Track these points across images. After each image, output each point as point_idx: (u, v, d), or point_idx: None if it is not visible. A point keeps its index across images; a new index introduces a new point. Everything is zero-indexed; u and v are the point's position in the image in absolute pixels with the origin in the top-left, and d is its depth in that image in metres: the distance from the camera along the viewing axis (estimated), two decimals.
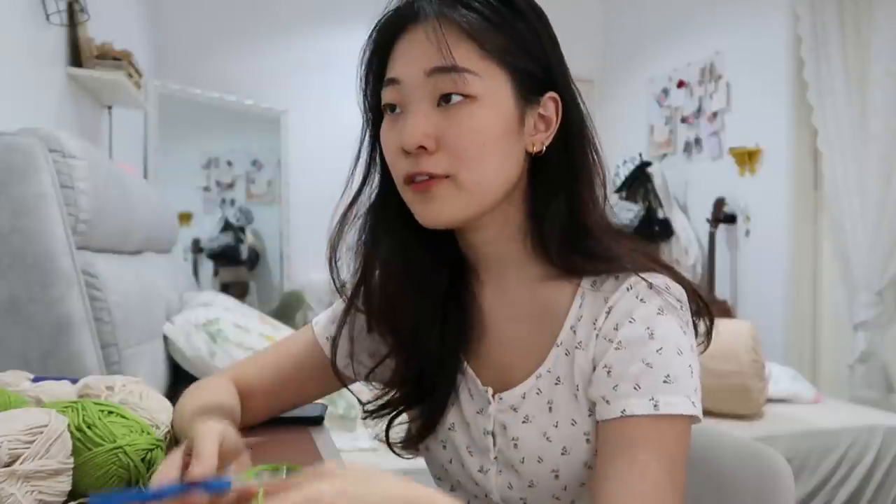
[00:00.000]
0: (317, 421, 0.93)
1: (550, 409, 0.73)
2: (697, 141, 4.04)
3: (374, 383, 0.83)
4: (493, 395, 0.76)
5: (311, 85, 4.29)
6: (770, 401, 2.41)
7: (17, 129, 1.16)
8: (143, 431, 0.62)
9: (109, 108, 2.77)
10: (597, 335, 0.70)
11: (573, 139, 0.73)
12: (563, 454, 0.72)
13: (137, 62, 2.58)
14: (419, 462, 0.89)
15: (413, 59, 0.68)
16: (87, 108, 2.51)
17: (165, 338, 1.63)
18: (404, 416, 0.83)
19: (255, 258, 4.95)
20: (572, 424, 0.72)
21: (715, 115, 3.87)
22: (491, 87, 0.68)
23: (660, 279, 0.70)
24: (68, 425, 0.58)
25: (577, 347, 0.72)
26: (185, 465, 0.56)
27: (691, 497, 0.84)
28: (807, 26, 3.24)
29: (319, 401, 0.92)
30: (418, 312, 0.77)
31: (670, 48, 4.24)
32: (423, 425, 0.80)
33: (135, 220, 1.55)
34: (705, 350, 0.75)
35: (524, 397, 0.74)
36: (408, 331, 0.78)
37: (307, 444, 0.83)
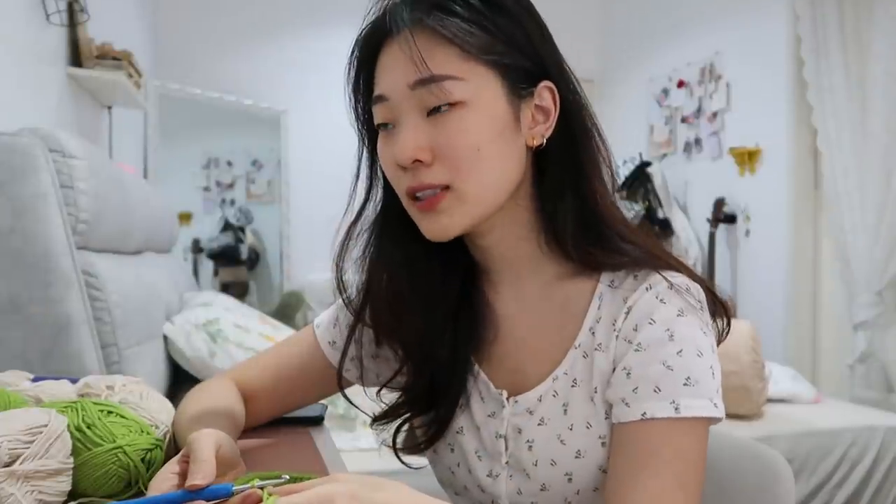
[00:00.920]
0: (317, 421, 0.93)
1: (566, 411, 0.72)
2: (697, 141, 4.04)
3: (381, 397, 0.82)
4: (507, 399, 0.75)
5: (310, 85, 4.29)
6: (770, 401, 2.41)
7: (17, 129, 1.16)
8: (142, 431, 0.62)
9: (109, 108, 2.77)
10: (616, 336, 0.69)
11: (574, 127, 0.71)
12: (577, 457, 0.71)
13: (137, 62, 2.57)
14: (420, 461, 0.89)
15: (395, 74, 0.67)
16: (87, 108, 2.51)
17: (165, 338, 1.62)
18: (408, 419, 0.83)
19: (255, 258, 4.95)
20: (587, 427, 0.71)
21: (715, 114, 3.87)
22: (478, 88, 0.66)
23: (680, 279, 0.69)
24: (68, 425, 0.58)
25: (596, 349, 0.71)
26: (183, 473, 0.56)
27: None
28: (807, 26, 3.24)
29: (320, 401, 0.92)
30: (427, 324, 0.76)
31: (670, 48, 4.24)
32: (433, 431, 0.79)
33: (135, 220, 1.55)
34: (720, 344, 0.73)
35: (540, 400, 0.73)
36: (416, 343, 0.77)
37: (307, 444, 0.83)
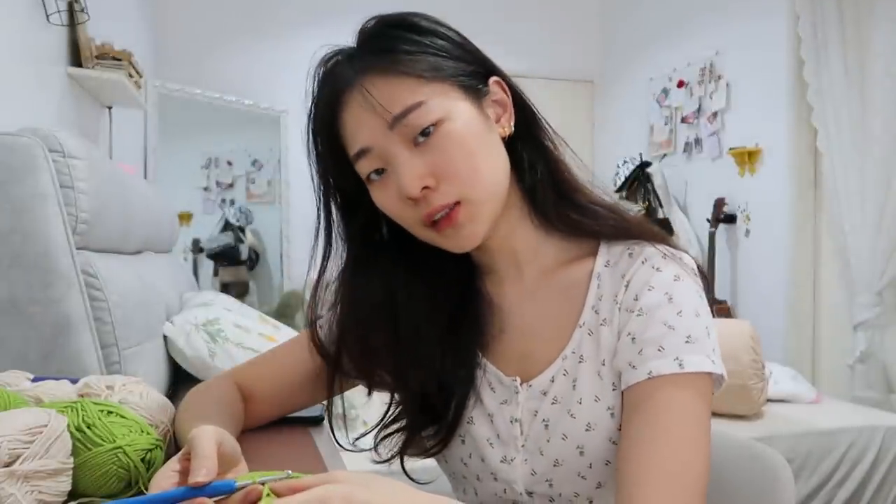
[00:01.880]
0: (317, 421, 0.93)
1: (574, 386, 0.75)
2: (697, 141, 4.04)
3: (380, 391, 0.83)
4: (521, 384, 0.77)
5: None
6: (770, 401, 2.41)
7: (17, 129, 1.16)
8: (142, 431, 0.62)
9: (109, 108, 2.77)
10: (619, 308, 0.73)
11: (524, 109, 0.77)
12: (587, 430, 0.73)
13: (137, 62, 2.57)
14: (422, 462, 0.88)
15: (367, 124, 0.69)
16: (87, 108, 2.51)
17: (165, 338, 1.62)
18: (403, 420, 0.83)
19: (255, 258, 4.95)
20: (595, 401, 0.73)
21: (715, 115, 3.87)
22: (446, 103, 0.69)
23: (669, 249, 0.75)
24: (68, 425, 0.58)
25: (601, 325, 0.74)
26: (185, 471, 0.56)
27: None
28: (807, 26, 3.24)
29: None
30: (424, 348, 0.78)
31: (670, 48, 4.24)
32: (443, 436, 0.80)
33: (135, 220, 1.55)
34: None
35: (553, 380, 0.76)
36: (420, 384, 0.79)
37: (307, 444, 0.83)
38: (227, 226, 4.90)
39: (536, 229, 0.78)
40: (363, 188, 0.74)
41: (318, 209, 0.78)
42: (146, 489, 0.60)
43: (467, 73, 0.72)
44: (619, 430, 0.71)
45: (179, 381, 1.62)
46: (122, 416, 0.62)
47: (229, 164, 5.00)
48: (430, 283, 0.79)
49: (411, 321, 0.78)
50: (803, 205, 3.45)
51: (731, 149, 3.71)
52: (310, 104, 0.73)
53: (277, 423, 0.88)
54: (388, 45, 0.70)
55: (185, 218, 4.49)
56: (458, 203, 0.70)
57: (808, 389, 2.55)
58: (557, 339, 0.77)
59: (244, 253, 4.90)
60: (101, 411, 0.61)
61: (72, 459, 0.57)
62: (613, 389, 0.73)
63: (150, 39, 3.89)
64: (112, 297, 1.21)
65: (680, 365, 0.67)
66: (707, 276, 0.78)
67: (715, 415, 2.20)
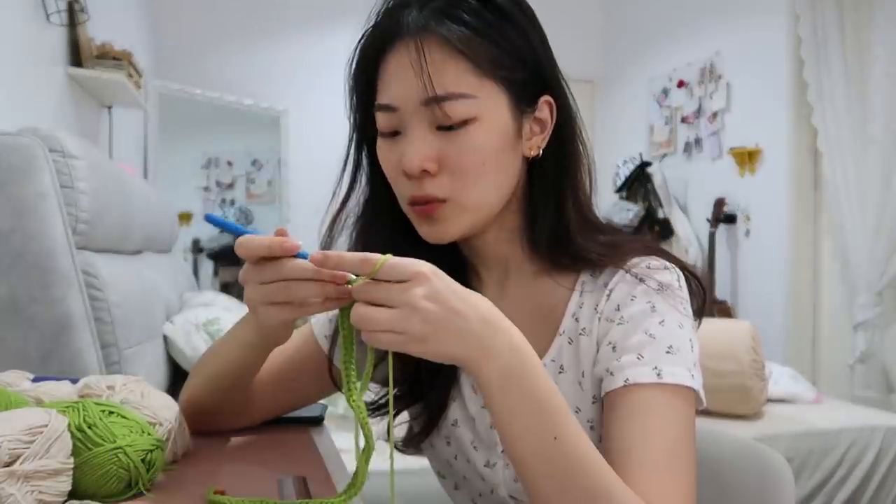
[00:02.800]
0: (317, 421, 0.93)
1: None
2: (697, 141, 4.04)
3: (370, 388, 0.82)
4: None
5: (311, 85, 4.29)
6: (770, 401, 2.41)
7: (17, 129, 1.16)
8: (143, 432, 0.62)
9: (109, 108, 2.77)
10: (599, 318, 0.71)
11: (566, 138, 0.74)
12: None
13: (137, 62, 2.58)
14: (421, 461, 0.89)
15: (404, 85, 0.67)
16: (87, 108, 2.51)
17: (165, 338, 1.62)
18: (405, 416, 0.83)
19: None
20: (576, 412, 0.72)
21: (715, 115, 3.88)
22: (487, 105, 0.67)
23: (656, 261, 0.72)
24: (69, 425, 0.58)
25: (581, 334, 0.73)
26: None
27: None
28: (807, 26, 3.24)
29: (320, 401, 0.91)
30: None
31: (670, 48, 4.24)
32: (426, 423, 0.80)
33: (135, 220, 1.55)
34: (698, 327, 0.75)
35: None
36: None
37: (307, 444, 0.83)
38: None
39: (523, 251, 0.76)
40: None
41: (349, 142, 0.76)
42: (146, 490, 0.60)
43: (522, 81, 0.70)
44: (601, 441, 0.69)
45: (179, 381, 1.62)
46: (124, 417, 0.62)
47: (229, 164, 5.00)
48: (427, 260, 0.78)
49: None
50: (803, 205, 3.45)
51: (731, 149, 3.71)
52: (367, 28, 0.71)
53: (277, 423, 0.88)
54: (464, 15, 0.67)
55: (185, 218, 4.49)
56: (444, 201, 0.69)
57: (808, 389, 2.55)
58: (538, 347, 0.73)
59: None
60: (103, 411, 0.61)
61: (72, 459, 0.57)
62: (594, 402, 0.72)
63: (150, 39, 3.89)
64: (112, 297, 1.21)
65: (658, 374, 0.65)
66: (702, 281, 0.76)
67: (715, 415, 2.20)
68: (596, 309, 0.72)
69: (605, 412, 0.68)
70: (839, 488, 2.17)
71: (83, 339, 1.12)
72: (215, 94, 4.13)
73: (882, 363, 3.06)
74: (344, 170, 0.77)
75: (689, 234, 3.96)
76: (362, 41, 0.71)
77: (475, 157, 0.68)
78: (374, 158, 0.74)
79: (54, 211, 1.11)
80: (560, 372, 0.74)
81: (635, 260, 0.72)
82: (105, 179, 1.30)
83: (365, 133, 0.75)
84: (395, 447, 0.85)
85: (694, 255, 3.89)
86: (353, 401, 0.57)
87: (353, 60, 0.72)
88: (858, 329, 3.10)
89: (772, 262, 3.52)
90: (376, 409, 0.83)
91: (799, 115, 3.38)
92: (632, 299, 0.70)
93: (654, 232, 3.97)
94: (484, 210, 0.71)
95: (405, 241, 0.76)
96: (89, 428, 0.59)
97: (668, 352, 0.66)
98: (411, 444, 0.84)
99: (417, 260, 0.55)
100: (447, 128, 0.67)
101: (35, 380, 0.77)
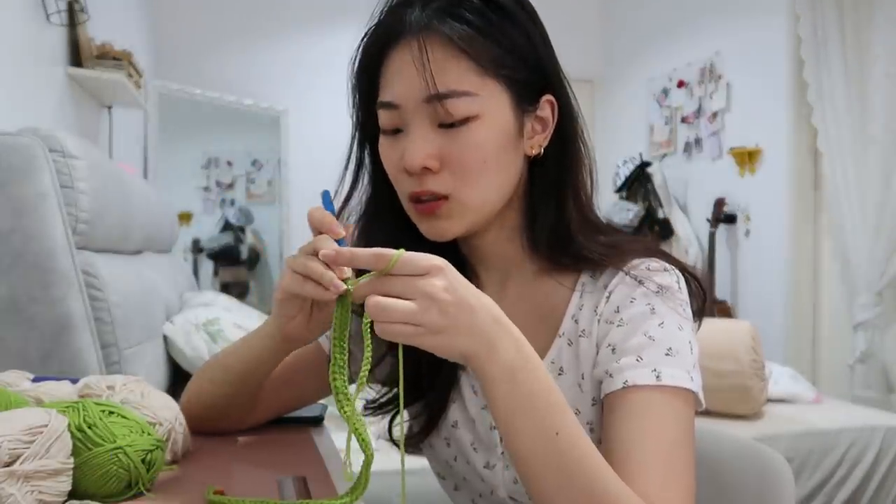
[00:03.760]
0: (317, 421, 0.93)
1: None
2: (697, 141, 4.04)
3: (371, 385, 0.82)
4: None
5: (311, 85, 4.29)
6: (770, 401, 2.40)
7: (17, 129, 1.16)
8: (143, 432, 0.62)
9: (109, 108, 2.77)
10: (599, 320, 0.71)
11: (567, 137, 0.74)
12: None
13: (137, 62, 2.58)
14: (420, 461, 0.88)
15: (407, 83, 0.67)
16: (87, 108, 2.51)
17: (165, 338, 1.62)
18: (406, 415, 0.83)
19: (255, 258, 4.96)
20: (576, 414, 0.72)
21: (715, 115, 3.87)
22: (490, 103, 0.68)
23: (656, 263, 0.72)
24: (69, 425, 0.58)
25: (580, 336, 0.73)
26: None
27: None
28: (807, 26, 3.24)
29: (320, 401, 0.91)
30: None
31: (670, 48, 4.24)
32: (425, 423, 0.80)
33: (135, 220, 1.55)
34: (698, 328, 0.75)
35: None
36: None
37: (307, 444, 0.83)
38: (227, 226, 4.91)
39: (523, 250, 0.76)
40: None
41: (352, 140, 0.77)
42: (146, 490, 0.60)
43: (525, 81, 0.70)
44: (600, 444, 0.69)
45: (179, 381, 1.62)
46: (124, 417, 0.62)
47: (229, 164, 5.00)
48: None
49: None
50: (803, 205, 3.45)
51: (731, 149, 3.71)
52: (369, 26, 0.71)
53: (277, 423, 0.88)
54: (467, 14, 0.67)
55: (185, 218, 4.49)
56: (446, 197, 0.69)
57: (808, 389, 2.55)
58: (537, 348, 0.74)
59: (244, 253, 4.90)
60: (103, 411, 0.61)
61: (72, 459, 0.57)
62: (593, 404, 0.72)
63: (150, 39, 3.89)
64: (112, 297, 1.21)
65: (657, 377, 0.65)
66: (702, 282, 0.76)
67: (715, 415, 2.20)
68: (595, 311, 0.72)
69: (604, 414, 0.68)
70: (839, 488, 2.17)
71: (83, 339, 1.12)
72: (215, 94, 4.13)
73: (882, 363, 3.06)
74: (346, 168, 0.77)
75: (689, 235, 3.95)
76: (365, 39, 0.72)
77: (477, 155, 0.68)
78: (376, 157, 0.75)
79: (54, 211, 1.11)
80: (560, 374, 0.74)
81: (635, 261, 0.72)
82: (105, 179, 1.30)
83: (367, 131, 0.75)
84: (396, 445, 0.85)
85: (694, 256, 3.89)
86: (345, 412, 0.57)
87: (355, 58, 0.72)
88: (858, 329, 3.09)
89: (772, 262, 3.52)
90: (377, 408, 0.83)
91: (799, 115, 3.38)
92: (631, 301, 0.70)
93: (654, 232, 3.97)
94: (485, 208, 0.71)
95: (407, 238, 0.76)
96: (89, 428, 0.59)
97: (667, 354, 0.66)
98: (411, 443, 0.84)
99: (431, 255, 0.56)
100: (449, 125, 0.67)
101: (35, 380, 0.77)
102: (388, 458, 0.87)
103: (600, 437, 0.70)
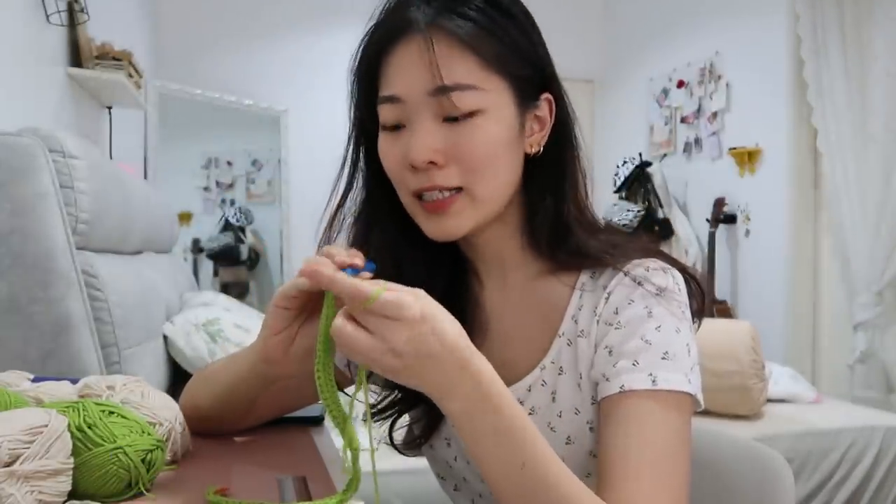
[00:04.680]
0: (317, 421, 0.93)
1: (554, 399, 0.74)
2: (697, 141, 4.04)
3: (372, 387, 0.82)
4: None
5: (311, 85, 4.29)
6: (770, 401, 2.41)
7: (17, 129, 1.16)
8: (143, 432, 0.62)
9: (109, 108, 2.77)
10: (597, 321, 0.72)
11: (562, 137, 0.74)
12: (567, 444, 0.73)
13: (137, 62, 2.58)
14: (420, 462, 0.89)
15: (411, 77, 0.67)
16: (87, 108, 2.51)
17: (165, 338, 1.62)
18: (406, 418, 0.83)
19: (255, 258, 4.95)
20: (576, 414, 0.73)
21: (715, 115, 3.87)
22: (494, 98, 0.68)
23: (655, 263, 0.72)
24: (69, 425, 0.58)
25: (579, 336, 0.73)
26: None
27: (691, 497, 0.84)
28: (807, 26, 3.24)
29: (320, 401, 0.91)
30: None
31: (670, 48, 4.24)
32: (426, 425, 0.80)
33: (135, 220, 1.55)
34: (698, 329, 0.75)
35: (529, 390, 0.75)
36: None
37: (307, 444, 0.83)
38: (227, 226, 4.90)
39: (524, 249, 0.77)
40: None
41: (348, 140, 0.76)
42: (146, 490, 0.60)
43: (526, 78, 0.71)
44: (598, 436, 0.70)
45: (179, 381, 1.62)
46: (124, 417, 0.62)
47: (229, 164, 5.00)
48: (426, 261, 0.77)
49: (406, 281, 0.77)
50: (803, 205, 3.45)
51: (731, 149, 3.71)
52: (371, 24, 0.71)
53: (277, 423, 0.88)
54: (470, 12, 0.67)
55: (185, 218, 4.49)
56: (459, 190, 0.68)
57: (808, 389, 2.55)
58: (537, 348, 0.75)
59: (244, 253, 4.90)
60: (103, 411, 0.61)
61: (72, 460, 0.57)
62: (592, 403, 0.72)
63: (150, 39, 3.89)
64: (112, 297, 1.21)
65: (653, 381, 0.65)
66: (701, 282, 0.76)
67: (715, 415, 2.20)
68: (595, 311, 0.72)
69: (601, 418, 0.68)
70: (839, 488, 2.17)
71: (83, 339, 1.12)
72: (215, 94, 4.13)
73: (882, 363, 3.06)
74: (342, 169, 0.77)
75: (689, 234, 3.95)
76: (367, 37, 0.71)
77: (484, 149, 0.68)
78: (372, 159, 0.74)
79: (54, 211, 1.11)
80: (560, 373, 0.74)
81: (634, 262, 0.72)
82: (105, 179, 1.30)
83: (365, 131, 0.75)
84: (396, 449, 0.85)
85: (694, 255, 3.89)
86: (329, 409, 0.60)
87: (356, 56, 0.72)
88: (858, 329, 3.09)
89: (772, 262, 3.52)
90: (377, 413, 0.83)
91: (799, 115, 3.38)
92: (629, 303, 0.70)
93: (654, 232, 3.96)
94: (494, 205, 0.71)
95: (405, 241, 0.76)
96: (89, 428, 0.59)
97: (663, 358, 0.66)
98: (412, 446, 0.84)
99: (414, 299, 0.55)
100: (453, 119, 0.67)
101: (35, 380, 0.77)
102: (388, 459, 0.87)
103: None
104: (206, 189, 4.98)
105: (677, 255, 3.94)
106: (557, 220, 0.73)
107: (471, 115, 0.67)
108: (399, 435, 0.85)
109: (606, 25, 4.93)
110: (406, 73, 0.67)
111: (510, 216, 0.75)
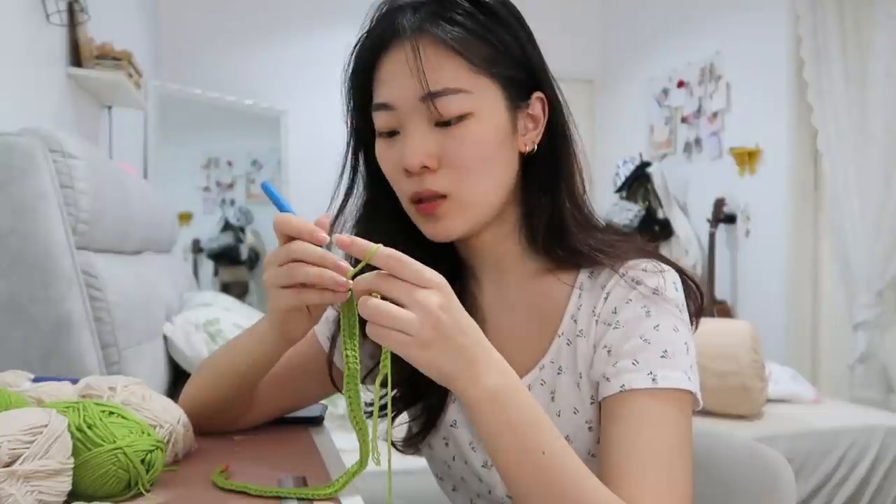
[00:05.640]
0: (317, 421, 0.93)
1: (553, 398, 0.74)
2: (697, 141, 4.04)
3: (370, 387, 0.82)
4: None
5: (311, 85, 4.29)
6: (770, 401, 2.41)
7: (17, 129, 1.16)
8: (143, 432, 0.62)
9: (109, 108, 2.77)
10: (596, 321, 0.72)
11: (557, 134, 0.75)
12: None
13: (137, 62, 2.57)
14: (420, 462, 0.89)
15: (401, 84, 0.68)
16: (87, 108, 2.51)
17: (165, 338, 1.62)
18: (405, 416, 0.83)
19: (255, 258, 4.95)
20: (574, 413, 0.73)
21: (715, 115, 3.87)
22: (484, 100, 0.69)
23: (652, 264, 0.72)
24: (69, 425, 0.58)
25: (578, 335, 0.73)
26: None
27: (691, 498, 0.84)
28: (807, 26, 3.24)
29: (320, 401, 0.91)
30: None
31: (670, 48, 4.24)
32: (424, 424, 0.81)
33: (135, 220, 1.55)
34: (695, 330, 0.76)
35: (529, 389, 0.75)
36: None
37: (307, 444, 0.83)
38: (227, 226, 4.90)
39: (522, 248, 0.77)
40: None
41: (347, 146, 0.77)
42: (146, 490, 0.60)
43: (516, 79, 0.71)
44: (598, 443, 0.70)
45: (179, 381, 1.62)
46: (124, 417, 0.62)
47: (229, 164, 5.00)
48: (426, 261, 0.78)
49: None
50: (803, 205, 3.45)
51: (731, 149, 3.71)
52: (362, 33, 0.72)
53: (277, 423, 0.88)
54: (457, 17, 0.68)
55: (185, 218, 4.48)
56: (444, 197, 0.69)
57: (808, 389, 2.55)
58: (536, 348, 0.76)
59: (244, 253, 4.90)
60: (103, 412, 0.61)
61: (72, 460, 0.57)
62: (591, 403, 0.72)
63: (150, 39, 3.89)
64: (112, 297, 1.21)
65: (653, 380, 0.66)
66: (698, 283, 0.76)
67: (715, 415, 2.20)
68: (594, 311, 0.72)
69: (602, 417, 0.69)
70: (839, 488, 2.17)
71: (83, 339, 1.12)
72: (215, 94, 4.12)
73: (882, 363, 3.06)
74: (342, 174, 0.78)
75: (689, 235, 3.95)
76: (357, 46, 0.73)
77: (474, 152, 0.69)
78: (371, 162, 0.75)
79: (54, 211, 1.11)
80: (559, 373, 0.74)
81: (631, 263, 0.72)
82: (105, 179, 1.30)
83: (362, 136, 0.76)
84: (394, 447, 0.86)
85: (694, 256, 3.89)
86: (356, 421, 0.61)
87: (349, 65, 0.73)
88: (858, 329, 3.09)
89: (772, 262, 3.52)
90: (378, 410, 0.83)
91: (799, 115, 3.38)
92: (627, 303, 0.70)
93: (654, 232, 3.97)
94: (485, 205, 0.72)
95: (405, 242, 0.76)
96: (89, 428, 0.59)
97: (662, 356, 0.67)
98: (410, 444, 0.84)
99: (434, 271, 0.57)
100: (445, 124, 0.68)
101: (35, 380, 0.77)
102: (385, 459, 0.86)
103: (598, 435, 0.70)
104: (206, 189, 4.97)
105: (677, 255, 3.94)
106: (554, 218, 0.74)
107: (461, 118, 0.68)
108: (398, 432, 0.85)
109: (606, 25, 4.93)
110: (396, 81, 0.69)
111: (507, 216, 0.76)
